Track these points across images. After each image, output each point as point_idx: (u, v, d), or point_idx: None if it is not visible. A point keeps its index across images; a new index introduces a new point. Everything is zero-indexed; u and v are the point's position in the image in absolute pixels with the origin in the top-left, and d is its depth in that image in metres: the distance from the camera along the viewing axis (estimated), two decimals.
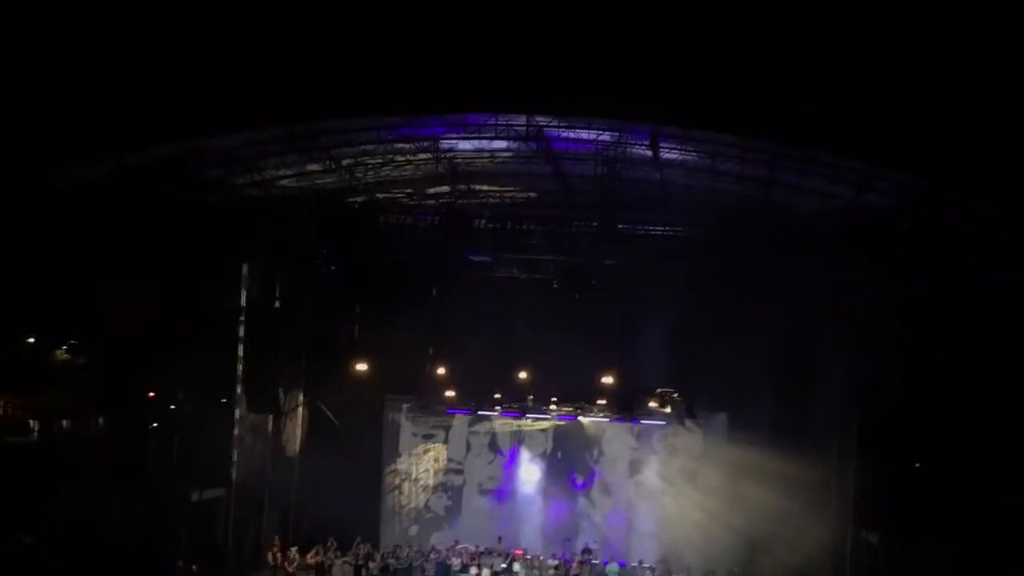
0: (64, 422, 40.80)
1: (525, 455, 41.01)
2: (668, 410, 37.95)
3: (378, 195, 37.24)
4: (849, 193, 32.97)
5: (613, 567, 37.25)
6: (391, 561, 36.87)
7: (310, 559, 36.40)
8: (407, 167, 36.42)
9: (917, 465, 35.36)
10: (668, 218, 35.96)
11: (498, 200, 37.56)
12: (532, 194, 37.79)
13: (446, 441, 41.62)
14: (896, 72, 32.74)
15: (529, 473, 40.81)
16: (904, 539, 33.35)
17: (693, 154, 33.09)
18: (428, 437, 41.63)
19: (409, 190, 37.66)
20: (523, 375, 38.63)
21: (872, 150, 29.30)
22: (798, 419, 36.18)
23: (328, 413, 40.09)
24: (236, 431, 37.77)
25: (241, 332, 37.65)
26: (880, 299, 33.69)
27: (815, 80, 33.33)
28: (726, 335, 36.43)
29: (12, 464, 35.02)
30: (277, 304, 38.54)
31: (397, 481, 41.51)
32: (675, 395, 37.91)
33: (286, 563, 36.11)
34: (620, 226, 35.60)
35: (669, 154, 33.17)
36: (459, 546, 38.07)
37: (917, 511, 32.72)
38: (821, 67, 33.16)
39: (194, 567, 35.57)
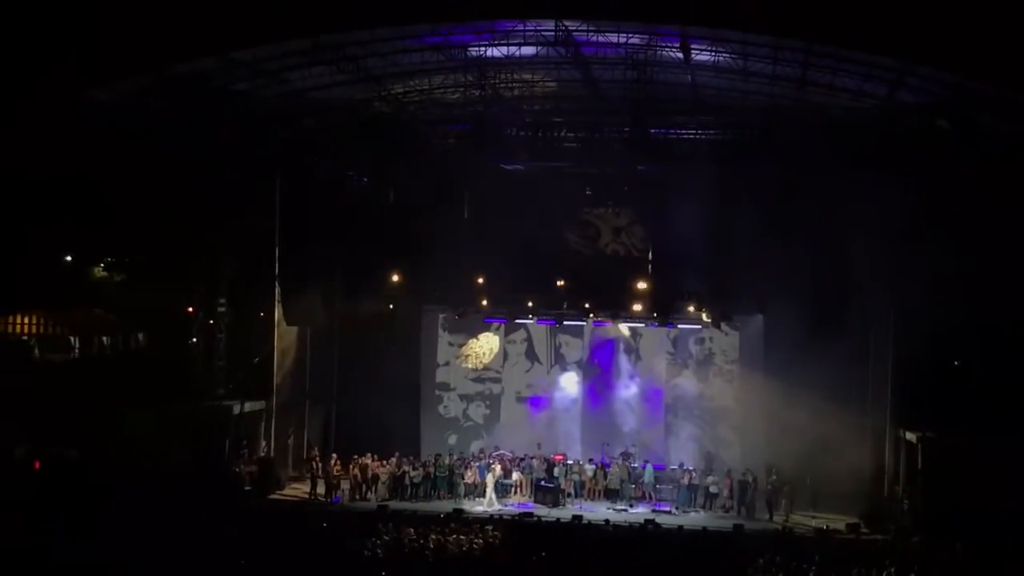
0: (104, 338, 41.29)
1: (561, 362, 41.15)
2: (704, 314, 37.85)
3: (409, 105, 37.07)
4: (882, 91, 32.57)
5: (649, 470, 37.57)
6: (431, 469, 37.32)
7: (351, 468, 36.91)
8: (437, 76, 36.12)
9: (956, 364, 35.21)
10: (700, 121, 35.64)
11: (529, 108, 37.23)
12: (561, 100, 37.42)
13: (481, 355, 41.70)
14: None
15: (566, 380, 40.98)
16: (943, 437, 33.32)
17: (724, 55, 32.58)
18: (464, 346, 41.75)
19: (439, 99, 37.42)
20: (558, 283, 38.53)
21: (904, 46, 28.79)
22: (835, 320, 36.02)
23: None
24: (275, 344, 38.06)
25: (277, 245, 37.71)
26: (917, 199, 33.34)
27: None
28: (761, 238, 36.21)
29: (54, 380, 35.59)
30: (311, 216, 38.47)
31: (435, 391, 41.77)
32: (710, 299, 37.74)
33: (327, 472, 36.62)
34: (652, 131, 35.30)
35: (700, 56, 32.70)
36: (498, 452, 38.45)
37: (956, 409, 32.60)
38: None
39: (253, 469, 36.20)
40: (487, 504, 35.86)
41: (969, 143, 31.64)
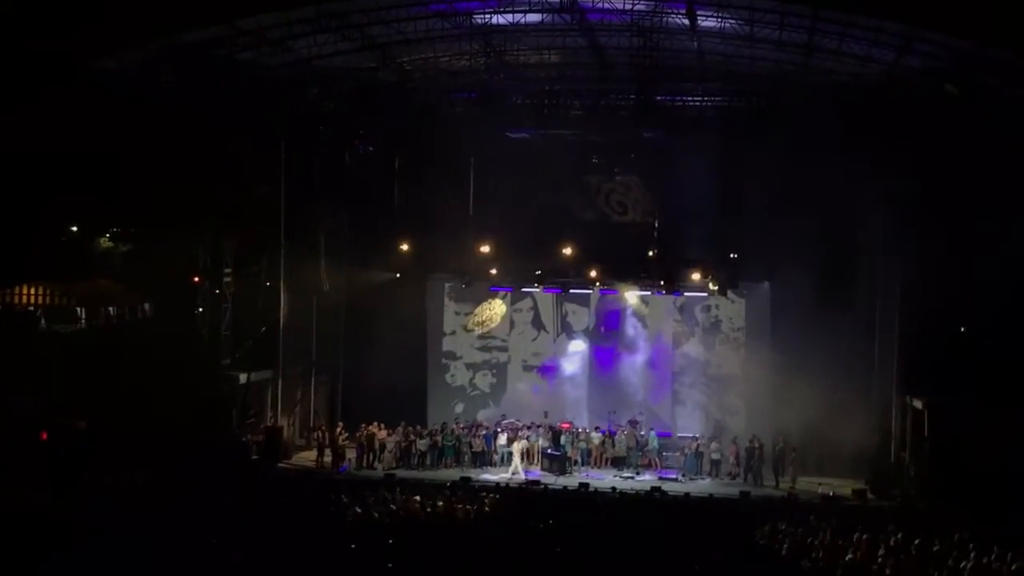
0: (110, 309, 41.30)
1: (568, 330, 41.15)
2: (710, 282, 37.78)
3: (414, 73, 36.96)
4: (889, 56, 32.42)
5: (653, 437, 37.65)
6: (438, 438, 37.37)
7: (358, 437, 37.01)
8: (442, 44, 36.01)
9: (962, 331, 35.12)
10: (706, 88, 35.50)
11: (534, 76, 37.09)
12: (567, 67, 37.27)
13: (489, 319, 41.67)
14: None
15: (573, 348, 41.01)
16: (949, 404, 33.29)
17: (731, 21, 32.49)
18: (471, 315, 41.74)
19: (445, 67, 37.30)
20: (565, 251, 38.43)
21: (912, 10, 28.62)
22: (841, 287, 35.95)
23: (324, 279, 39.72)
24: (281, 313, 38.07)
25: (283, 214, 37.65)
26: (924, 167, 33.18)
27: None
28: (767, 206, 36.18)
29: (61, 351, 35.61)
30: (317, 185, 38.41)
31: (441, 360, 41.79)
32: (716, 267, 37.66)
33: (334, 441, 36.71)
34: (658, 98, 35.20)
35: (706, 22, 32.63)
36: (505, 421, 38.50)
37: (962, 376, 32.53)
38: None
39: (260, 438, 36.27)
40: (511, 472, 35.89)
41: (977, 109, 31.47)
